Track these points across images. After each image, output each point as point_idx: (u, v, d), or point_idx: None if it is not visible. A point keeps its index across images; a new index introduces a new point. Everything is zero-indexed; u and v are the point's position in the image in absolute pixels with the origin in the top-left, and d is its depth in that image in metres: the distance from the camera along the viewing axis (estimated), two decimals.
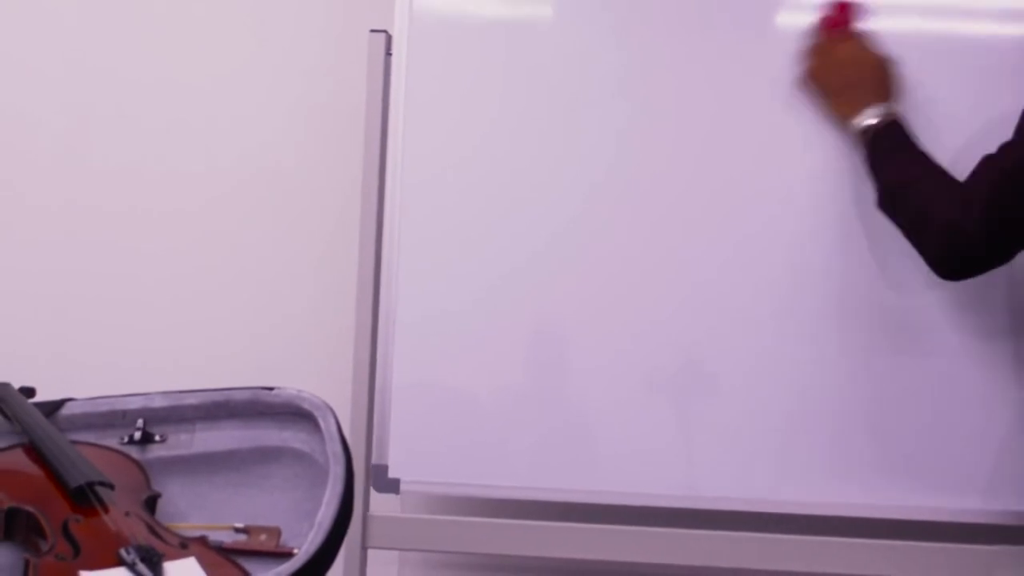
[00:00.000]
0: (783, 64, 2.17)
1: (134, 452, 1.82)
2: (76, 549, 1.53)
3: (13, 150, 2.59)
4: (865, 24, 2.13)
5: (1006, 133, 1.90)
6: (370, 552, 2.27)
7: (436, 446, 2.23)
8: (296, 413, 1.83)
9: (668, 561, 2.18)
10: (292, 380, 1.90)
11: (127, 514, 1.61)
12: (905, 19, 2.16)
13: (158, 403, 1.87)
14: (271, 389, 1.85)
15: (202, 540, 1.62)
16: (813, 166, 2.18)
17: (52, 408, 1.86)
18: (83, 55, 2.59)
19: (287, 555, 1.66)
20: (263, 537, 1.71)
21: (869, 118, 2.01)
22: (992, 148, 1.92)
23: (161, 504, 1.72)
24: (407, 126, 2.24)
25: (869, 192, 2.07)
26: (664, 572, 2.33)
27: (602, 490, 2.20)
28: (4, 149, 2.59)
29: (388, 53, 2.27)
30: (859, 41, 2.09)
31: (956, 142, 2.10)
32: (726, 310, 2.19)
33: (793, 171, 2.18)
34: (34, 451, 1.75)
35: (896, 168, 1.98)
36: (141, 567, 1.47)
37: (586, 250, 2.22)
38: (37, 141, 2.59)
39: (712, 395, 2.19)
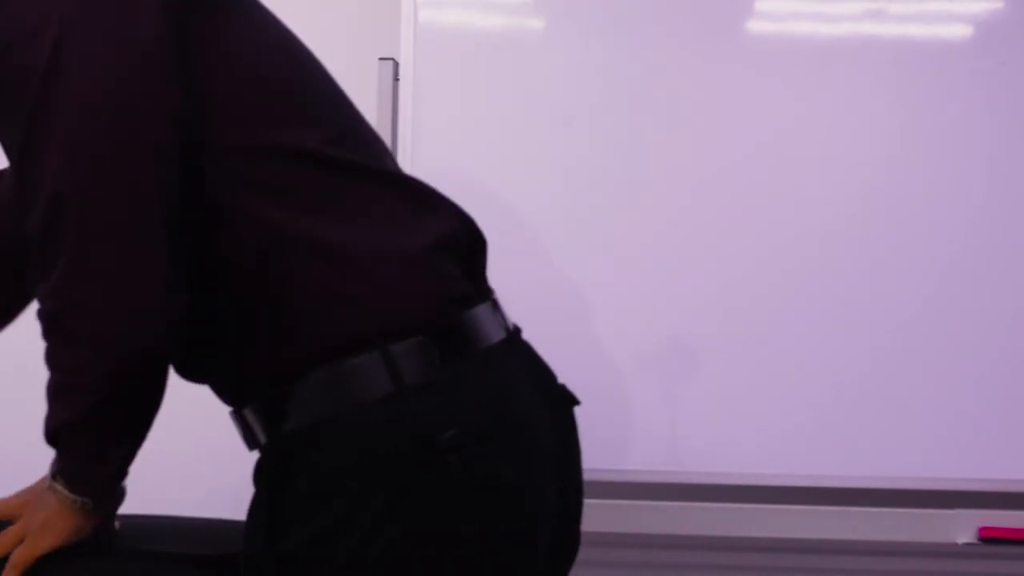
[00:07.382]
0: (768, 67, 2.27)
1: None
2: None
3: None
4: None
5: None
6: None
7: None
8: None
9: (655, 531, 2.26)
10: None
11: None
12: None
13: None
14: None
15: None
16: (797, 160, 2.26)
17: None
18: None
19: None
20: None
21: None
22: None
23: None
24: (415, 143, 2.30)
25: (851, 180, 2.20)
26: (652, 542, 2.42)
27: (596, 468, 2.15)
28: None
29: (396, 78, 2.34)
30: None
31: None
32: (710, 297, 2.27)
33: (776, 165, 2.27)
34: None
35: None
36: None
37: (582, 247, 2.30)
38: None
39: (696, 376, 2.26)
